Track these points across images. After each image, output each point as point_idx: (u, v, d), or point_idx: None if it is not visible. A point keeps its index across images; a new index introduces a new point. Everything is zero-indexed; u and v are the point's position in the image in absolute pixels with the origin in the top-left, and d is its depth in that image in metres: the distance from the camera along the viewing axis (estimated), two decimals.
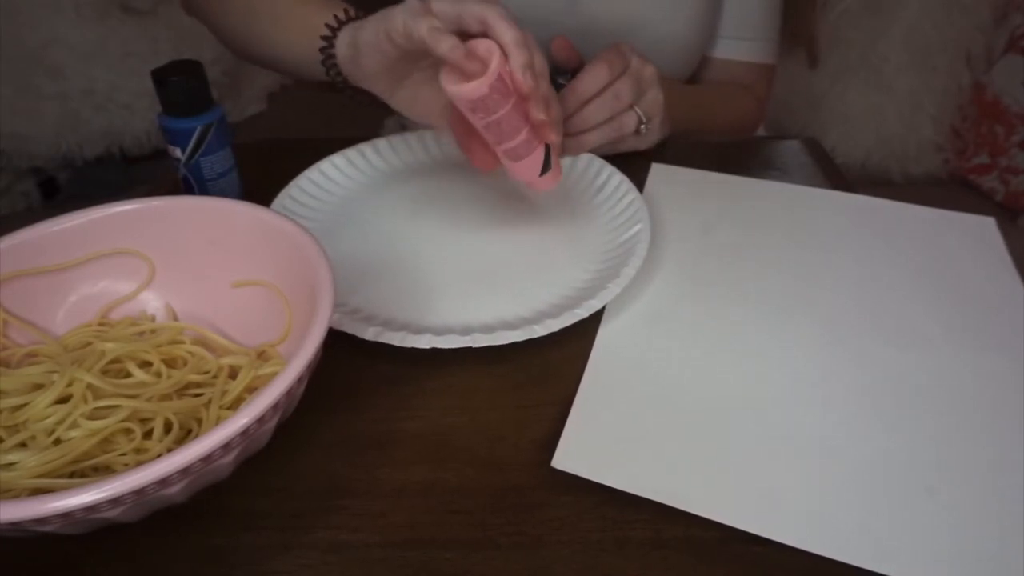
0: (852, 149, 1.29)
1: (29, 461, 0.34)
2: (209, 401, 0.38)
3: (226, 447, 0.31)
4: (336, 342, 0.43)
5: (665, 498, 0.36)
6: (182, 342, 0.42)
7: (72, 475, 0.35)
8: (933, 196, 0.60)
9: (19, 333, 0.41)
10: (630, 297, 0.48)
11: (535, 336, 0.44)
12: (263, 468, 0.38)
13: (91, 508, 0.28)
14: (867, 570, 0.34)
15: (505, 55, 0.43)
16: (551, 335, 0.44)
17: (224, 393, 0.38)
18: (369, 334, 0.44)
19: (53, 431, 0.35)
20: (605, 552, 0.35)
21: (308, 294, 0.38)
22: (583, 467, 0.38)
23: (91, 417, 0.36)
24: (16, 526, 0.28)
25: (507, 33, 0.43)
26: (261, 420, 0.32)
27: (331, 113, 0.55)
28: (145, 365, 0.40)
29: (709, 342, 0.46)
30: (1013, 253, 0.53)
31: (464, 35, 0.44)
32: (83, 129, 1.33)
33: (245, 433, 0.31)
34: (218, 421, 0.37)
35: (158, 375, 0.40)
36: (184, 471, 0.30)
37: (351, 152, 0.61)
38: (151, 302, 0.44)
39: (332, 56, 0.52)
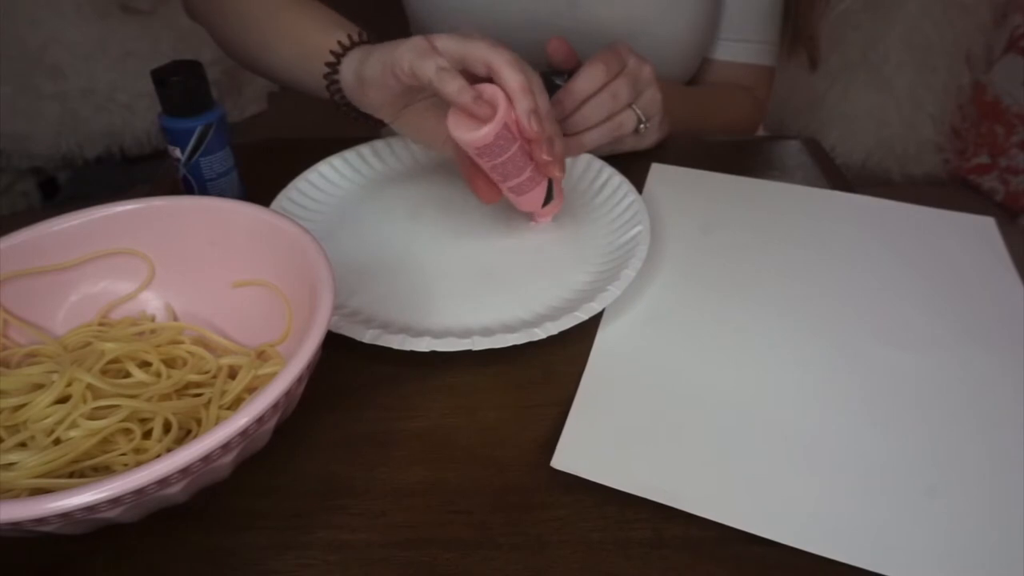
0: (852, 149, 1.29)
1: (29, 461, 0.34)
2: (209, 401, 0.38)
3: (226, 447, 0.31)
4: (336, 342, 0.43)
5: (665, 498, 0.36)
6: (182, 342, 0.42)
7: (72, 475, 0.35)
8: (933, 196, 0.60)
9: (19, 333, 0.41)
10: (630, 298, 0.48)
11: (535, 339, 0.44)
12: (263, 468, 0.38)
13: (91, 508, 0.28)
14: (867, 570, 0.34)
15: (510, 100, 0.44)
16: (551, 336, 0.44)
17: (224, 393, 0.38)
18: (368, 337, 0.44)
19: (53, 431, 0.35)
20: (605, 552, 0.35)
21: (308, 294, 0.38)
22: (583, 467, 0.38)
23: (91, 417, 0.36)
24: (16, 526, 0.28)
25: (512, 78, 0.43)
26: (261, 420, 0.32)
27: (331, 113, 0.54)
28: (145, 365, 0.40)
29: (709, 343, 0.46)
30: (1013, 253, 0.53)
31: (468, 76, 0.45)
32: (83, 129, 1.33)
33: (245, 433, 0.31)
34: (218, 421, 0.37)
35: (158, 375, 0.40)
36: (184, 471, 0.30)
37: (350, 154, 0.61)
38: (151, 302, 0.44)
39: (336, 82, 0.52)
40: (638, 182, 0.58)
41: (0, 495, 0.33)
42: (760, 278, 0.51)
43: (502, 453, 0.40)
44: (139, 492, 0.29)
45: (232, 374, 0.40)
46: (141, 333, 0.42)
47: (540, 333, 0.44)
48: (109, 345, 0.40)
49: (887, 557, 0.34)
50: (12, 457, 0.34)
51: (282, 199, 0.55)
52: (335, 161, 0.59)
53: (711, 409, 0.42)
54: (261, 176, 0.57)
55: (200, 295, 0.44)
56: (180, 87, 0.52)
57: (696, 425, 0.41)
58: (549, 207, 0.52)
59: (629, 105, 0.57)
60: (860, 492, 0.37)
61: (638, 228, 0.52)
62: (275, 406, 0.32)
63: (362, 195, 0.59)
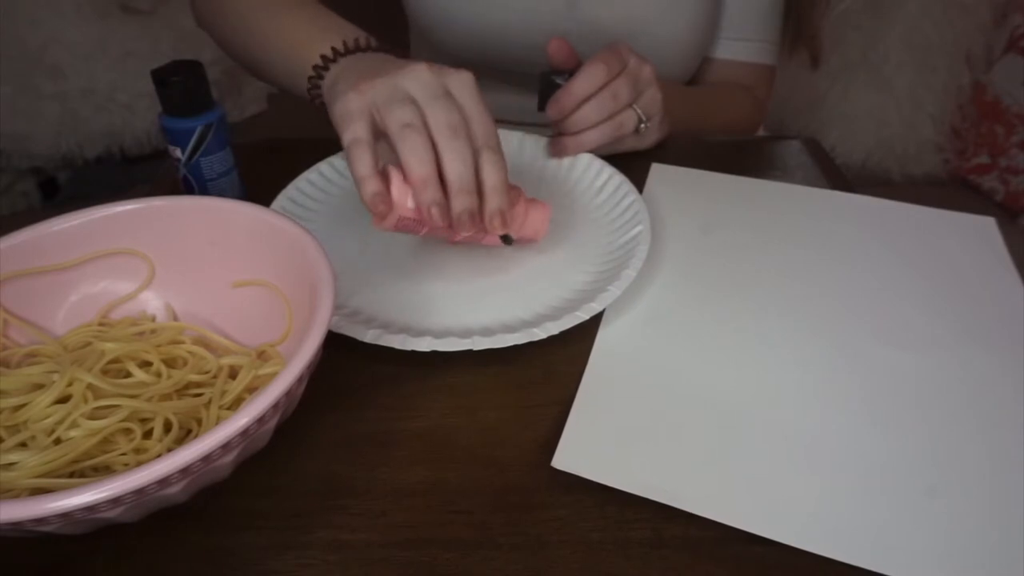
0: (852, 149, 1.29)
1: (29, 461, 0.34)
2: (209, 401, 0.38)
3: (226, 447, 0.31)
4: (336, 342, 0.43)
5: (665, 498, 0.36)
6: (182, 342, 0.42)
7: (72, 475, 0.35)
8: (933, 196, 0.60)
9: (19, 333, 0.41)
10: (630, 298, 0.48)
11: (535, 339, 0.44)
12: (263, 468, 0.38)
13: (91, 508, 0.28)
14: (867, 570, 0.34)
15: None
16: (551, 336, 0.44)
17: (224, 393, 0.38)
18: (369, 337, 0.44)
19: (53, 431, 0.35)
20: (605, 552, 0.35)
21: (308, 294, 0.38)
22: (583, 467, 0.38)
23: (91, 417, 0.36)
24: (16, 526, 0.28)
25: (413, 170, 0.41)
26: (261, 420, 0.32)
27: None
28: (145, 365, 0.40)
29: (709, 343, 0.46)
30: (1013, 253, 0.53)
31: None
32: (83, 129, 1.32)
33: (245, 433, 0.31)
34: (218, 421, 0.37)
35: (158, 375, 0.40)
36: (184, 471, 0.30)
37: None
38: (151, 302, 0.44)
39: (318, 87, 0.50)
40: (638, 182, 0.58)
41: (0, 495, 0.33)
42: (760, 278, 0.51)
43: (502, 453, 0.40)
44: (139, 492, 0.29)
45: (232, 374, 0.40)
46: (141, 333, 0.42)
47: (540, 333, 0.44)
48: (109, 345, 0.40)
49: (887, 557, 0.34)
50: (12, 457, 0.34)
51: (282, 199, 0.55)
52: (335, 161, 0.59)
53: (711, 409, 0.42)
54: (261, 176, 0.57)
55: (200, 295, 0.44)
56: (180, 87, 0.52)
57: (696, 425, 0.41)
58: (526, 235, 0.50)
59: (629, 105, 0.57)
60: (860, 492, 0.37)
61: (638, 228, 0.52)
62: (275, 406, 0.32)
63: None
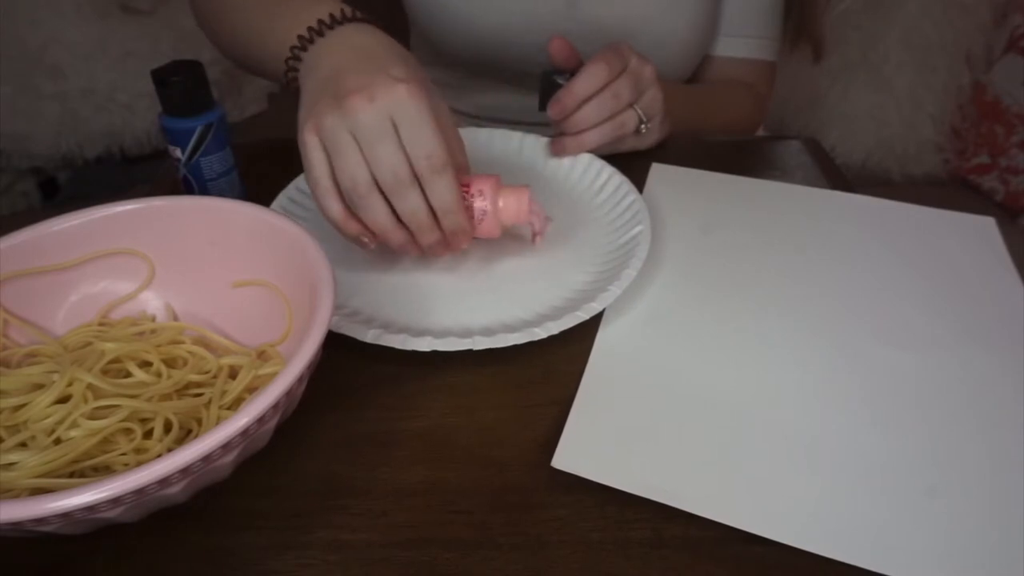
0: (852, 149, 1.29)
1: (29, 461, 0.34)
2: (209, 401, 0.38)
3: (226, 447, 0.31)
4: (336, 342, 0.43)
5: (665, 498, 0.36)
6: (182, 342, 0.42)
7: (72, 475, 0.35)
8: (933, 196, 0.60)
9: (19, 333, 0.41)
10: (630, 298, 0.48)
11: (535, 339, 0.44)
12: (263, 468, 0.38)
13: (91, 508, 0.28)
14: (867, 570, 0.34)
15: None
16: (551, 336, 0.44)
17: (224, 393, 0.38)
18: (369, 336, 0.44)
19: (53, 431, 0.35)
20: (605, 552, 0.35)
21: (308, 294, 0.38)
22: (583, 467, 0.38)
23: (91, 417, 0.36)
24: (16, 526, 0.28)
25: (375, 227, 0.43)
26: (261, 420, 0.32)
27: None
28: (145, 365, 0.40)
29: (709, 343, 0.46)
30: (1013, 253, 0.53)
31: None
32: (83, 129, 1.32)
33: (245, 433, 0.31)
34: (218, 421, 0.37)
35: (158, 375, 0.40)
36: (184, 471, 0.30)
37: None
38: (151, 302, 0.44)
39: (297, 68, 0.47)
40: (638, 182, 0.58)
41: (0, 495, 0.33)
42: (760, 278, 0.51)
43: (502, 453, 0.40)
44: (139, 492, 0.29)
45: (232, 374, 0.40)
46: (141, 333, 0.42)
47: (541, 333, 0.44)
48: (109, 345, 0.40)
49: (887, 557, 0.34)
50: (12, 457, 0.34)
51: (282, 199, 0.55)
52: None
53: (711, 409, 0.42)
54: (261, 176, 0.57)
55: (200, 295, 0.44)
56: (180, 87, 0.52)
57: (696, 425, 0.41)
58: (511, 217, 0.48)
59: (631, 105, 0.57)
60: (860, 492, 0.37)
61: (638, 228, 0.52)
62: (276, 406, 0.32)
63: None
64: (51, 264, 0.42)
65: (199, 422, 0.38)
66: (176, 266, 0.44)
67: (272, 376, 0.34)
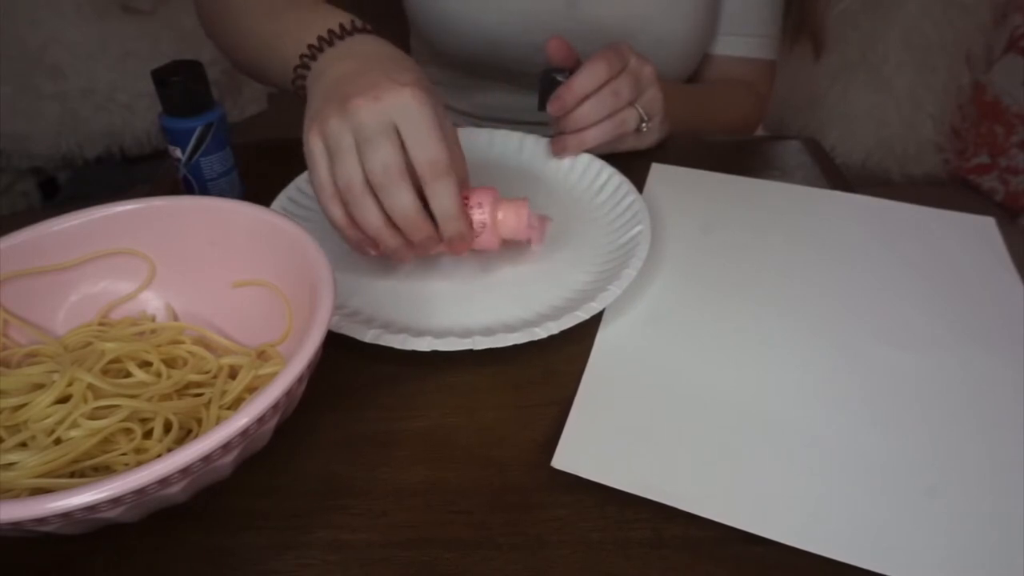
0: (852, 149, 1.29)
1: (29, 461, 0.34)
2: (209, 401, 0.38)
3: (226, 447, 0.31)
4: (336, 342, 0.43)
5: (665, 498, 0.36)
6: (182, 342, 0.42)
7: (72, 475, 0.35)
8: (933, 196, 0.60)
9: (19, 333, 0.41)
10: (630, 298, 0.48)
11: (535, 339, 0.44)
12: (263, 468, 0.38)
13: (91, 508, 0.28)
14: (867, 570, 0.34)
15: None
16: (551, 336, 0.44)
17: (224, 393, 0.38)
18: (369, 336, 0.44)
19: (53, 431, 0.35)
20: (605, 552, 0.35)
21: (308, 294, 0.38)
22: (583, 467, 0.38)
23: (91, 417, 0.36)
24: (16, 526, 0.28)
25: (367, 228, 0.43)
26: (261, 420, 0.32)
27: None
28: (145, 365, 0.40)
29: (709, 342, 0.46)
30: (1013, 253, 0.53)
31: None
32: (83, 129, 1.32)
33: (245, 433, 0.31)
34: (218, 421, 0.37)
35: (158, 375, 0.40)
36: (184, 471, 0.30)
37: None
38: (151, 302, 0.44)
39: (304, 75, 0.48)
40: (638, 182, 0.58)
41: (0, 495, 0.33)
42: (760, 278, 0.51)
43: (502, 453, 0.40)
44: (139, 492, 0.29)
45: (232, 374, 0.40)
46: (141, 333, 0.42)
47: (541, 332, 0.44)
48: (109, 345, 0.40)
49: (887, 557, 0.34)
50: (12, 457, 0.34)
51: (282, 199, 0.55)
52: None
53: (711, 409, 0.42)
54: (261, 176, 0.57)
55: (200, 295, 0.44)
56: (180, 87, 0.52)
57: (696, 425, 0.41)
58: (510, 231, 0.48)
59: (631, 103, 0.57)
60: (860, 492, 0.37)
61: (638, 228, 0.52)
62: (276, 406, 0.32)
63: None
64: (51, 264, 0.42)
65: (199, 422, 0.38)
66: (176, 266, 0.44)
67: (272, 376, 0.34)
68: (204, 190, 0.56)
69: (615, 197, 0.57)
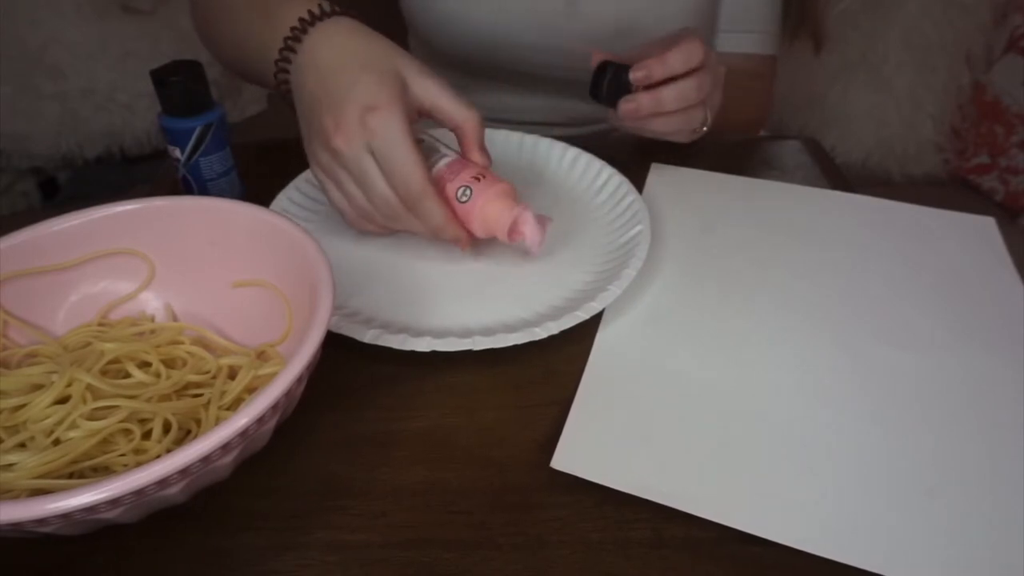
0: (852, 149, 1.29)
1: (28, 461, 0.34)
2: (208, 401, 0.38)
3: (225, 448, 0.31)
4: (336, 342, 0.43)
5: (665, 498, 0.36)
6: (182, 342, 0.42)
7: (71, 476, 0.35)
8: (933, 196, 0.60)
9: (19, 333, 0.41)
10: (630, 298, 0.48)
11: (535, 339, 0.44)
12: (263, 468, 0.38)
13: (90, 509, 0.28)
14: (866, 571, 0.34)
15: None
16: (551, 336, 0.44)
17: (223, 393, 0.38)
18: (368, 337, 0.44)
19: (52, 431, 0.35)
20: (605, 552, 0.35)
21: (308, 294, 0.38)
22: (583, 467, 0.38)
23: (90, 418, 0.36)
24: (16, 526, 0.28)
25: (334, 204, 0.49)
26: (260, 421, 0.32)
27: None
28: (144, 365, 0.40)
29: (709, 343, 0.46)
30: (1013, 253, 0.53)
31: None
32: (83, 129, 1.32)
33: (244, 434, 0.31)
34: (217, 422, 0.37)
35: (157, 375, 0.40)
36: (183, 472, 0.30)
37: None
38: (151, 302, 0.44)
39: (287, 80, 0.48)
40: (638, 182, 0.58)
41: (0, 495, 0.33)
42: (760, 278, 0.51)
43: (502, 453, 0.40)
44: (139, 493, 0.29)
45: (232, 374, 0.40)
46: (141, 333, 0.42)
47: (541, 332, 0.44)
48: (109, 345, 0.40)
49: (887, 557, 0.34)
50: (12, 458, 0.34)
51: (282, 199, 0.55)
52: None
53: (711, 409, 0.42)
54: (261, 176, 0.57)
55: (200, 295, 0.44)
56: (180, 87, 0.52)
57: (696, 425, 0.41)
58: (532, 232, 0.48)
59: (703, 102, 0.54)
60: (860, 492, 0.37)
61: (638, 228, 0.52)
62: (275, 406, 0.32)
63: None
64: (51, 264, 0.42)
65: (198, 423, 0.38)
66: (176, 266, 0.44)
67: (271, 376, 0.34)
68: (204, 190, 0.56)
69: (615, 197, 0.56)
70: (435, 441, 0.40)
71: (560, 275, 0.51)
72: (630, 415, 0.41)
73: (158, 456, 0.32)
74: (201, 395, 0.39)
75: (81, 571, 0.35)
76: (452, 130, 0.49)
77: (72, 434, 0.35)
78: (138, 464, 0.29)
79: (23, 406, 0.36)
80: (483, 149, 0.49)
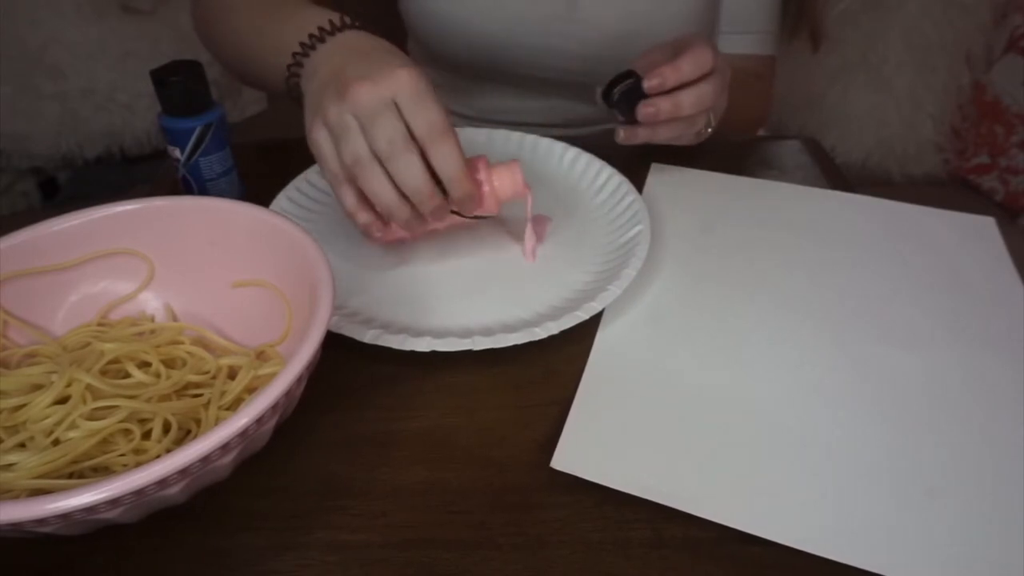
0: (852, 149, 1.28)
1: (28, 462, 0.34)
2: (208, 402, 0.38)
3: (225, 448, 0.31)
4: (336, 342, 0.43)
5: (665, 498, 0.36)
6: (182, 342, 0.42)
7: (71, 476, 0.35)
8: (933, 196, 0.60)
9: (19, 333, 0.41)
10: (630, 298, 0.48)
11: (535, 339, 0.44)
12: (263, 468, 0.38)
13: (90, 509, 0.28)
14: (866, 571, 0.34)
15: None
16: (551, 336, 0.44)
17: (223, 393, 0.38)
18: (368, 337, 0.44)
19: (52, 432, 0.35)
20: (605, 552, 0.35)
21: (308, 294, 0.38)
22: (583, 467, 0.38)
23: (90, 418, 0.36)
24: (16, 526, 0.28)
25: (378, 202, 0.43)
26: (260, 421, 0.32)
27: None
28: (144, 365, 0.40)
29: (709, 343, 0.46)
30: (1013, 253, 0.53)
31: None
32: (83, 129, 1.32)
33: (244, 434, 0.31)
34: (217, 422, 0.37)
35: (157, 375, 0.40)
36: (183, 472, 0.30)
37: None
38: (151, 302, 0.44)
39: (298, 74, 0.47)
40: (638, 182, 0.58)
41: (0, 495, 0.33)
42: (760, 278, 0.51)
43: (502, 453, 0.40)
44: (138, 493, 0.29)
45: (232, 374, 0.40)
46: (141, 333, 0.42)
47: (540, 332, 0.44)
48: (109, 345, 0.40)
49: (887, 557, 0.34)
50: (12, 458, 0.34)
51: (282, 199, 0.55)
52: None
53: (711, 409, 0.42)
54: (261, 176, 0.57)
55: (200, 295, 0.44)
56: (180, 87, 0.52)
57: (696, 425, 0.41)
58: (507, 192, 0.49)
59: (708, 108, 0.54)
60: (860, 492, 0.37)
61: (638, 228, 0.52)
62: (275, 406, 0.32)
63: None
64: (51, 264, 0.42)
65: (198, 423, 0.38)
66: (176, 266, 0.44)
67: (271, 376, 0.34)
68: (203, 190, 0.56)
69: (615, 197, 0.56)
70: (435, 441, 0.40)
71: (560, 275, 0.51)
72: (630, 415, 0.41)
73: (158, 456, 0.32)
74: (201, 395, 0.39)
75: (81, 571, 0.35)
76: None
77: (72, 434, 0.35)
78: (138, 464, 0.29)
79: (23, 406, 0.36)
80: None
